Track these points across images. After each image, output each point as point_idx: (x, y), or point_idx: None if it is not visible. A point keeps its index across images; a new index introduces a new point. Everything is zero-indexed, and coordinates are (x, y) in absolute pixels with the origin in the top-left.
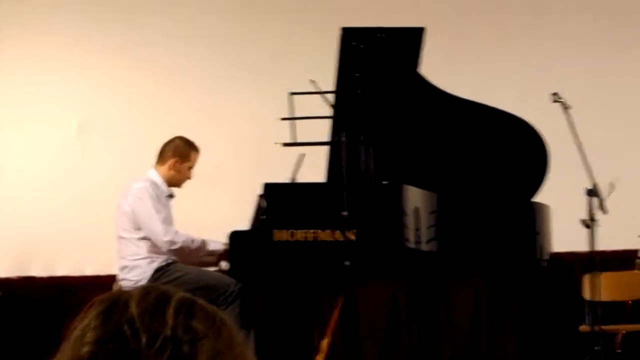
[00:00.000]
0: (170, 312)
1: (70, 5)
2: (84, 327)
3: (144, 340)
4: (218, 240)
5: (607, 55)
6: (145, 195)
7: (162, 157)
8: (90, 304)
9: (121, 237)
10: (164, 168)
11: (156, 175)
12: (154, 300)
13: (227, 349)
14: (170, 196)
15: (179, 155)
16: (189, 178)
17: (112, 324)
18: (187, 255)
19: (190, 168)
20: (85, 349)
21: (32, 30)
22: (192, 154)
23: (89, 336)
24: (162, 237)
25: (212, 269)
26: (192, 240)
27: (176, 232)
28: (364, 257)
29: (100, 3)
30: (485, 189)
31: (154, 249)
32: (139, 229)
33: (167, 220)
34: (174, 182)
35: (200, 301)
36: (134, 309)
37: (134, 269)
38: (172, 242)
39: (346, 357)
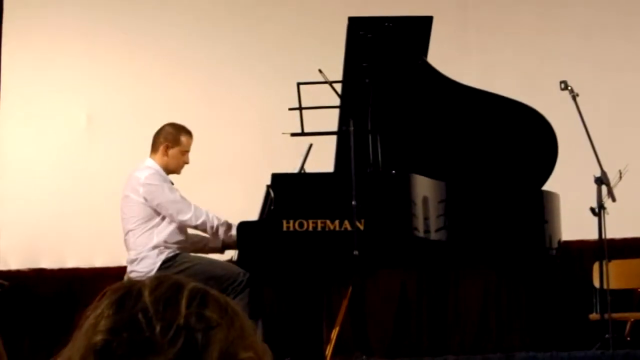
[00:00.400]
0: (184, 301)
1: None
2: (97, 315)
3: (157, 328)
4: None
5: (615, 44)
6: (156, 180)
7: (154, 146)
8: (103, 293)
9: (129, 230)
10: (158, 156)
11: (153, 164)
12: (167, 290)
13: (239, 338)
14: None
15: (170, 140)
16: (186, 162)
17: (125, 313)
18: (211, 236)
19: (183, 152)
20: (99, 337)
21: (40, 23)
22: (183, 138)
23: (102, 325)
24: (186, 214)
25: (221, 258)
26: (217, 219)
27: (197, 209)
28: (373, 247)
29: None
30: (494, 178)
31: (162, 241)
32: (147, 221)
33: (185, 199)
34: (171, 168)
35: (213, 291)
36: (147, 297)
37: (142, 260)
38: (197, 218)
39: (355, 347)
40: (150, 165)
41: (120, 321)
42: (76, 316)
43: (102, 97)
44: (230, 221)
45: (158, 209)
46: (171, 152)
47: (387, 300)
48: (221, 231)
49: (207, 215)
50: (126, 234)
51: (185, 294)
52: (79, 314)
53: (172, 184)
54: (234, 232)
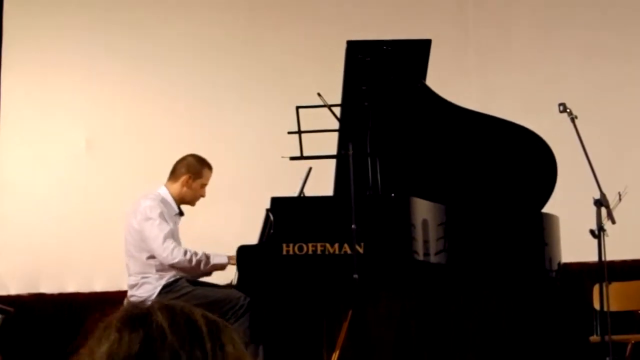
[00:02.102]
0: (206, 338)
1: (77, 21)
2: (113, 342)
3: None
4: (222, 253)
5: (614, 66)
6: (151, 213)
7: (174, 174)
8: (98, 320)
9: (131, 255)
10: (176, 185)
11: (166, 193)
12: (184, 324)
13: None
14: (180, 214)
15: (192, 172)
16: (202, 196)
17: (147, 342)
18: (191, 271)
19: (203, 186)
20: None
21: (39, 47)
22: (205, 171)
23: (120, 356)
24: (162, 254)
25: (221, 283)
26: (193, 257)
27: (176, 248)
28: (373, 271)
29: (107, 19)
30: (494, 201)
31: (162, 266)
32: (147, 247)
33: (172, 236)
34: (187, 199)
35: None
36: (169, 335)
37: (142, 285)
38: (172, 258)
39: None
40: (160, 194)
41: (141, 352)
42: (76, 341)
43: (101, 120)
44: (230, 244)
45: (145, 240)
46: (192, 184)
47: (387, 324)
48: (202, 265)
49: (185, 255)
50: (127, 258)
51: (205, 330)
52: (79, 338)
53: (182, 214)
54: (213, 261)
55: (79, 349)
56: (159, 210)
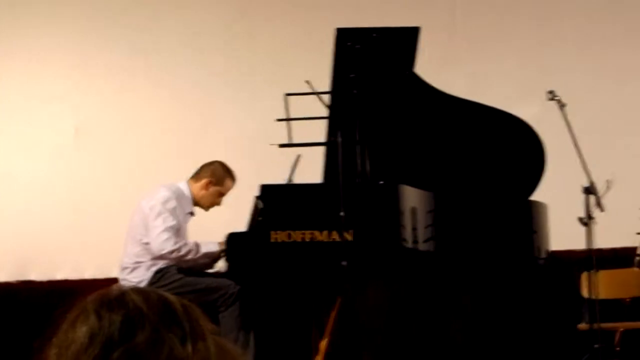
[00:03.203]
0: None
1: (66, 8)
2: (93, 324)
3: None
4: (212, 241)
5: (603, 54)
6: (163, 204)
7: (198, 175)
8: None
9: (132, 237)
10: (197, 186)
11: (187, 189)
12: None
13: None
14: (191, 214)
15: (215, 177)
16: (217, 204)
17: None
18: (182, 260)
19: (221, 195)
20: (97, 348)
21: (28, 34)
22: (227, 181)
23: (101, 338)
24: (154, 242)
25: (210, 270)
26: (181, 247)
27: (167, 240)
28: (361, 258)
29: (97, 6)
30: (482, 188)
31: (158, 252)
32: (147, 233)
33: (176, 232)
34: (202, 202)
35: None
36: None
37: (135, 270)
38: (161, 249)
39: (344, 358)
40: (180, 188)
41: (122, 331)
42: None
43: (90, 108)
44: (220, 232)
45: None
46: (212, 189)
47: (376, 311)
48: (192, 254)
49: (174, 246)
50: (127, 239)
51: (179, 308)
52: (46, 334)
53: (193, 214)
54: (205, 248)
55: (49, 341)
56: (172, 205)
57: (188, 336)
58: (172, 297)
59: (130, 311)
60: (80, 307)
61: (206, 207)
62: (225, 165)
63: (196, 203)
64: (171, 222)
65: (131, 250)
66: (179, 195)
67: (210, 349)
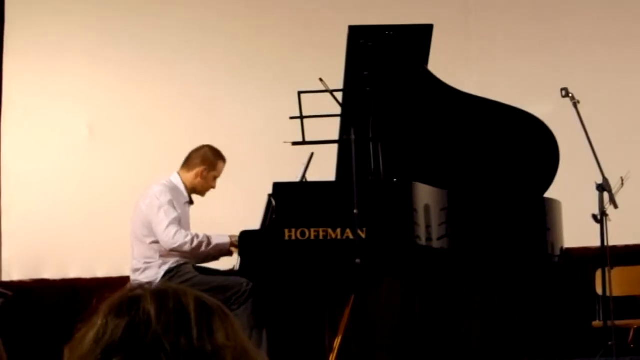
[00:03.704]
0: (194, 323)
1: (78, 7)
2: (100, 328)
3: (168, 349)
4: (223, 234)
5: (616, 51)
6: (159, 198)
7: (188, 164)
8: (99, 304)
9: (136, 239)
10: (190, 175)
11: (179, 181)
12: (173, 306)
13: (245, 353)
14: (190, 202)
15: (208, 164)
16: (213, 187)
17: (131, 329)
18: (193, 253)
19: (215, 178)
20: (98, 351)
21: (41, 33)
22: (219, 164)
23: (104, 341)
24: (164, 237)
25: (223, 268)
26: (194, 239)
27: (178, 233)
28: (375, 255)
29: (108, 5)
30: (496, 186)
31: (165, 252)
32: (152, 232)
33: (179, 223)
34: (199, 190)
35: (214, 304)
36: (154, 319)
37: (146, 270)
38: (174, 242)
39: (357, 356)
40: (171, 181)
41: (123, 338)
42: (77, 326)
43: (103, 107)
44: (233, 229)
45: (150, 224)
46: (207, 175)
47: (389, 308)
48: (204, 246)
49: (186, 238)
50: (132, 241)
51: (193, 315)
52: (82, 323)
53: (192, 202)
54: (215, 241)
55: (77, 332)
56: (168, 197)
57: (194, 343)
58: (190, 299)
59: (137, 317)
60: (101, 307)
61: (203, 194)
62: (213, 149)
63: (193, 192)
64: (173, 213)
65: (138, 252)
66: (172, 188)
67: (220, 355)
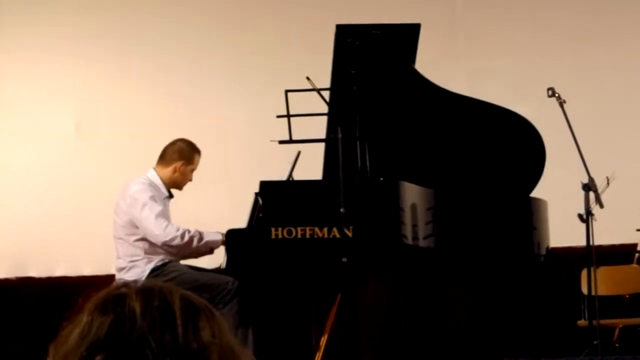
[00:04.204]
0: (179, 321)
1: (66, 5)
2: (83, 326)
3: (153, 345)
4: (215, 231)
5: (603, 50)
6: (141, 196)
7: (164, 159)
8: (85, 302)
9: (119, 238)
10: (167, 170)
11: (155, 177)
12: (158, 303)
13: (231, 353)
14: (170, 196)
15: (184, 158)
16: (190, 180)
17: (115, 328)
18: (185, 249)
19: (192, 170)
20: (83, 348)
21: (28, 31)
22: (196, 157)
23: (88, 339)
24: (155, 232)
25: (210, 267)
26: (185, 233)
27: (169, 226)
28: (362, 254)
29: (95, 4)
30: (482, 185)
31: (151, 249)
32: (136, 229)
33: (162, 215)
34: (177, 184)
35: (200, 302)
36: (138, 315)
37: (131, 269)
38: (165, 235)
39: (344, 355)
40: (149, 177)
41: (108, 335)
42: (60, 324)
43: (90, 105)
44: (219, 228)
45: (135, 225)
46: (184, 170)
47: (376, 307)
48: (195, 241)
49: (177, 232)
50: (115, 241)
51: (178, 313)
52: (68, 321)
53: (172, 196)
54: (207, 237)
55: (62, 330)
56: (149, 194)
57: (180, 341)
58: (176, 297)
59: (122, 314)
60: (87, 304)
61: (181, 187)
62: (188, 142)
63: (170, 186)
64: (158, 208)
65: (123, 251)
66: (150, 184)
67: (206, 354)
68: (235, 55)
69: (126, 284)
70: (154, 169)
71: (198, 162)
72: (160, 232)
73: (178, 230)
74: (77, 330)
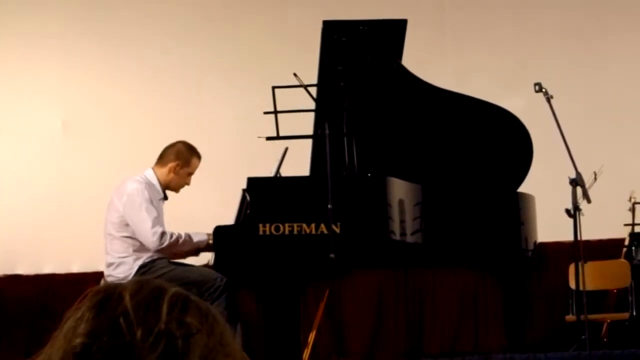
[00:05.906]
0: (165, 306)
1: (53, 3)
2: (77, 318)
3: (138, 333)
4: (201, 232)
5: (590, 46)
6: (139, 196)
7: (162, 159)
8: (84, 296)
9: (109, 234)
10: (164, 171)
11: (153, 176)
12: (148, 294)
13: (219, 345)
14: (165, 198)
15: (181, 160)
16: (187, 184)
17: (106, 317)
18: (175, 252)
19: (190, 174)
20: (78, 341)
21: (15, 29)
22: (194, 160)
23: (82, 328)
24: (151, 238)
25: (198, 263)
26: (178, 238)
27: (164, 233)
28: (349, 250)
29: (82, 1)
30: (470, 180)
31: (139, 247)
32: (126, 227)
33: (158, 221)
34: (172, 186)
35: (194, 297)
36: (128, 301)
37: (120, 265)
38: (160, 244)
39: (332, 350)
40: (146, 176)
41: (100, 325)
42: (49, 322)
43: (77, 103)
44: (207, 225)
45: (127, 223)
46: (180, 171)
47: (364, 303)
48: (185, 246)
49: (171, 239)
50: (105, 237)
51: (167, 299)
52: (57, 319)
53: (166, 198)
54: (196, 238)
55: (55, 328)
56: (146, 195)
57: (162, 340)
58: (166, 297)
59: (113, 311)
60: (76, 304)
61: (177, 190)
62: (188, 145)
63: (166, 188)
64: (154, 212)
65: (112, 247)
66: (147, 184)
67: (192, 352)
68: (222, 52)
69: (120, 282)
70: (152, 168)
71: (196, 166)
72: (156, 239)
73: (172, 237)
74: (69, 323)
